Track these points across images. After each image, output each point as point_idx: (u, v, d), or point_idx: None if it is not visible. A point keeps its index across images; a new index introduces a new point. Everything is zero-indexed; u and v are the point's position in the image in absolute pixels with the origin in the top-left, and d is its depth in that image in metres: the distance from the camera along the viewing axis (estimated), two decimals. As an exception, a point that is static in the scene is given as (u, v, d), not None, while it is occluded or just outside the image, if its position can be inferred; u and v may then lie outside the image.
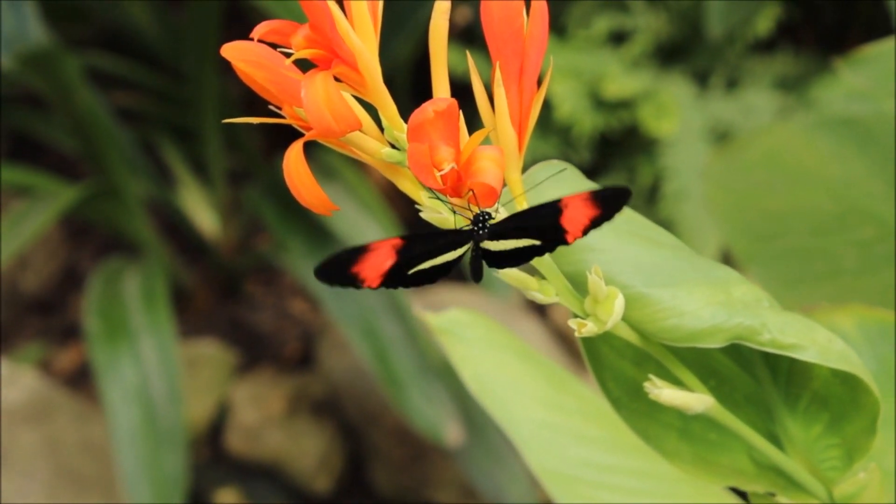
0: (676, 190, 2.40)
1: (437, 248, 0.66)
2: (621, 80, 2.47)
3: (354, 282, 0.65)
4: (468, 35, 2.59)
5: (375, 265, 0.65)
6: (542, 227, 0.65)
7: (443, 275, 0.67)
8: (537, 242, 0.66)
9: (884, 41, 1.46)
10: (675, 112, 2.43)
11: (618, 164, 2.55)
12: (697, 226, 2.36)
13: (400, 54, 2.46)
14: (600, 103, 2.49)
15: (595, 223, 0.64)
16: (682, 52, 2.62)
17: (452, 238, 0.66)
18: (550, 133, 2.50)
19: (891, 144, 1.42)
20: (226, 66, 0.66)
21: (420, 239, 0.66)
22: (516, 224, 0.66)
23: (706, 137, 2.44)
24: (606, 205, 0.64)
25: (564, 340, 2.35)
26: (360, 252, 0.65)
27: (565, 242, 0.65)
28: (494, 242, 0.66)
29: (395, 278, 0.66)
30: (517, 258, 0.67)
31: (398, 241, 0.66)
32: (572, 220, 0.64)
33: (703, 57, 2.59)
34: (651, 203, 2.47)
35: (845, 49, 1.53)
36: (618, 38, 2.61)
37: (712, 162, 1.54)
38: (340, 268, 0.65)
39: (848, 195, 1.44)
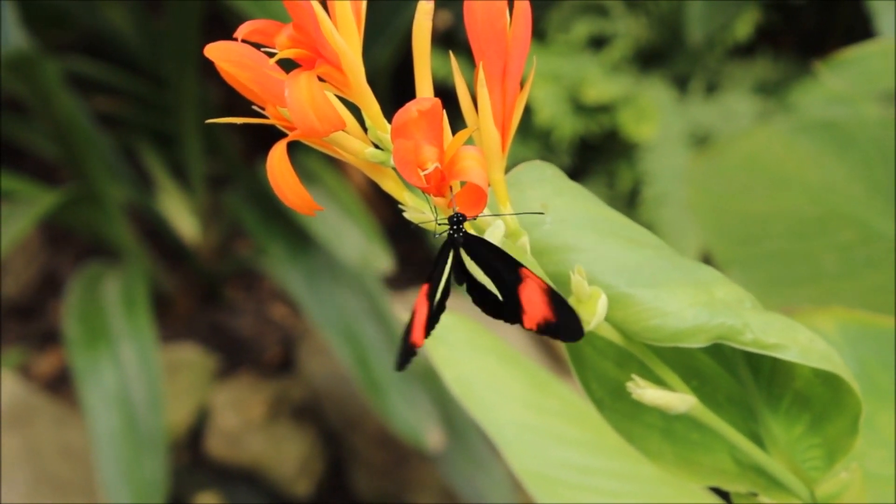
0: (656, 194, 2.40)
1: (441, 269, 0.67)
2: (601, 84, 2.47)
3: (413, 352, 0.66)
4: (449, 39, 2.59)
5: (420, 323, 0.66)
6: (503, 282, 0.66)
7: (447, 296, 0.68)
8: (499, 295, 0.66)
9: (864, 44, 1.46)
10: (654, 116, 2.43)
11: (598, 168, 2.56)
12: (677, 230, 2.37)
13: (380, 59, 2.46)
14: (580, 108, 2.49)
15: (545, 330, 0.65)
16: (661, 56, 2.63)
17: (445, 253, 0.67)
18: (531, 138, 2.50)
19: (870, 148, 1.43)
20: (206, 71, 0.66)
21: (434, 271, 0.66)
22: (484, 250, 0.66)
23: (686, 142, 2.44)
24: (559, 324, 0.65)
25: (544, 343, 2.35)
26: (410, 322, 0.65)
27: (521, 324, 0.65)
28: (468, 260, 0.66)
29: (431, 322, 0.67)
30: (486, 306, 0.67)
31: (425, 286, 0.66)
32: (531, 302, 0.65)
33: (683, 61, 2.59)
34: (631, 207, 2.47)
35: (824, 54, 1.53)
36: (598, 43, 2.62)
37: (693, 166, 1.54)
38: (406, 348, 0.65)
39: (828, 199, 1.44)
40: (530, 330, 0.65)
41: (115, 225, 2.37)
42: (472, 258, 0.66)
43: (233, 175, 2.60)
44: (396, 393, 2.05)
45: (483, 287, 0.67)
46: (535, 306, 0.64)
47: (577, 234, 0.70)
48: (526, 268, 0.65)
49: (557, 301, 0.64)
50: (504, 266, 0.65)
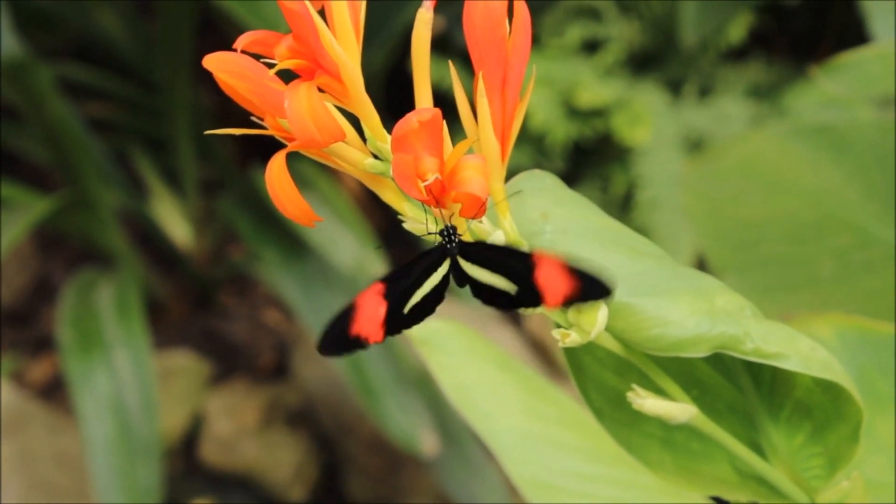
0: (650, 198, 2.40)
1: (419, 276, 0.66)
2: (594, 88, 2.47)
3: (360, 344, 0.65)
4: (442, 45, 2.59)
5: (370, 318, 0.65)
6: (516, 274, 0.65)
7: (438, 302, 0.67)
8: (512, 288, 0.65)
9: (861, 48, 1.46)
10: (648, 120, 2.43)
11: (591, 172, 2.56)
12: (671, 234, 2.37)
13: (372, 65, 2.45)
14: (573, 112, 2.49)
15: (571, 302, 0.64)
16: (655, 60, 2.62)
17: (428, 260, 0.66)
18: (524, 142, 2.50)
19: (866, 152, 1.43)
20: (198, 76, 0.66)
21: (398, 273, 0.66)
22: (487, 253, 0.66)
23: (679, 146, 2.44)
24: (585, 290, 0.64)
25: (539, 350, 2.35)
26: (349, 312, 0.65)
27: (545, 305, 0.65)
28: (469, 265, 0.66)
29: (395, 323, 0.66)
30: (498, 301, 0.66)
31: (380, 286, 0.65)
32: (550, 284, 0.64)
33: (676, 65, 2.59)
34: (624, 211, 2.47)
35: (817, 58, 1.53)
36: (591, 47, 2.62)
37: (689, 170, 1.54)
38: (341, 336, 0.65)
39: (824, 203, 1.44)
40: (554, 308, 0.65)
41: (107, 231, 2.36)
42: (475, 263, 0.66)
43: (226, 180, 2.60)
44: (391, 398, 2.04)
45: (490, 287, 0.66)
46: (554, 284, 0.64)
47: (577, 243, 0.70)
48: (537, 251, 0.64)
49: (577, 270, 0.64)
50: (514, 259, 0.65)
